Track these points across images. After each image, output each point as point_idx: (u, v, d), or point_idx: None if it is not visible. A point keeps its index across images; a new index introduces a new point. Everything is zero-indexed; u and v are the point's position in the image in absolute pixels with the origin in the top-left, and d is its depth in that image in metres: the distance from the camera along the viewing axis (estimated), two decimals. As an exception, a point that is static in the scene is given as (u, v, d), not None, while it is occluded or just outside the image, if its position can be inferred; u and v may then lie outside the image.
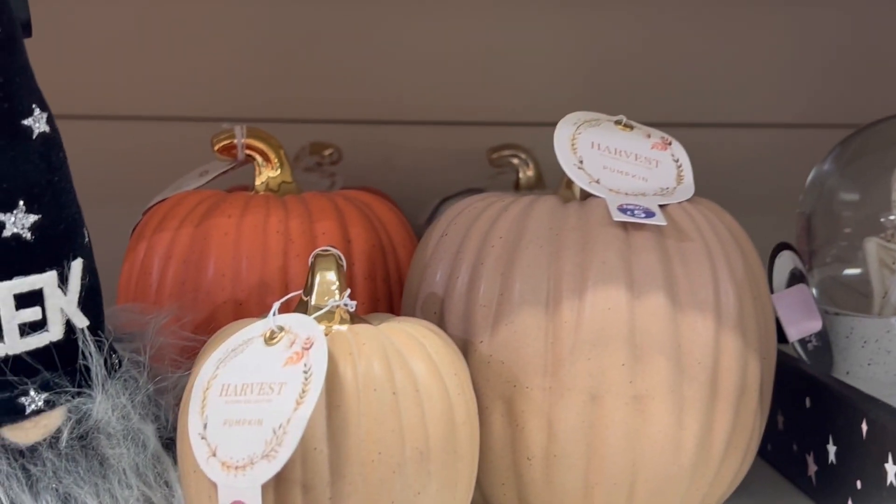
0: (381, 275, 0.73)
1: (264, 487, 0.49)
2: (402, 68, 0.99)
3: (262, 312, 0.66)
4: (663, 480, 0.59)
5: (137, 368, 0.56)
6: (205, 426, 0.52)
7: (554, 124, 1.01)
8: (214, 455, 0.51)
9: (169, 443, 0.58)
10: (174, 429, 0.58)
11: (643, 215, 0.59)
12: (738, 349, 0.60)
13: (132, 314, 0.60)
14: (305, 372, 0.50)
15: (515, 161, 0.96)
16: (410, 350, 0.54)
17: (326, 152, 1.00)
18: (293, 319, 0.53)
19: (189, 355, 0.62)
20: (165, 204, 0.75)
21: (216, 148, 0.78)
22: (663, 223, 0.59)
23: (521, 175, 0.96)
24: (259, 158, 0.78)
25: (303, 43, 0.98)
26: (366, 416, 0.51)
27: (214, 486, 0.51)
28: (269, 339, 0.53)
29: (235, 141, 0.78)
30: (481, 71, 0.99)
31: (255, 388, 0.51)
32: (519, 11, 0.99)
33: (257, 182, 0.78)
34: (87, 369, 0.54)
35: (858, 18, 1.00)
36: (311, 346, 0.51)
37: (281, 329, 0.53)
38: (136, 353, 0.59)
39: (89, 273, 0.54)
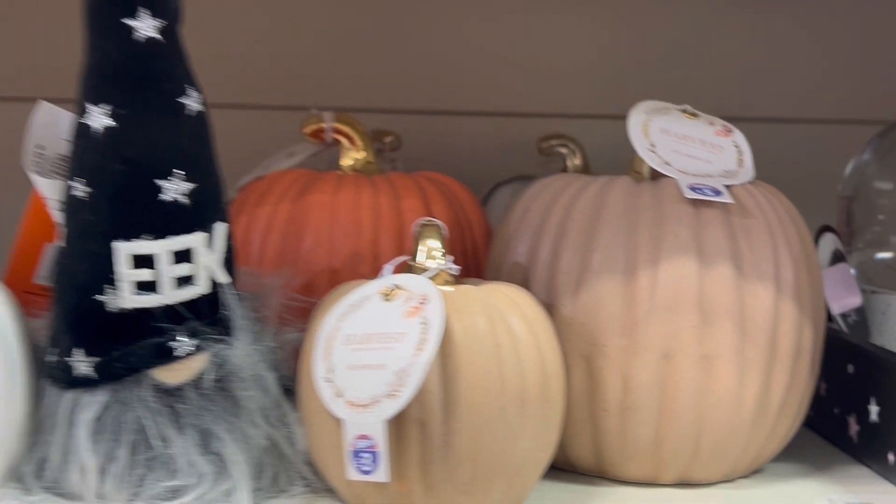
0: (459, 249, 0.80)
1: (386, 423, 0.56)
2: (457, 62, 1.04)
3: (355, 280, 0.74)
4: (726, 434, 0.66)
5: (260, 324, 0.63)
6: (330, 370, 0.59)
7: (598, 116, 1.08)
8: (341, 395, 0.58)
9: (285, 390, 0.65)
10: (289, 378, 0.65)
11: (712, 194, 0.66)
12: (794, 316, 0.67)
13: (251, 277, 0.67)
14: (423, 324, 0.57)
15: (563, 150, 1.02)
16: (508, 308, 0.61)
17: (387, 139, 1.06)
18: (408, 279, 0.60)
19: (294, 315, 0.69)
20: (263, 182, 0.81)
21: (306, 131, 0.85)
22: (730, 201, 0.66)
23: (568, 163, 1.02)
24: (345, 141, 0.84)
25: (366, 39, 1.03)
26: (472, 364, 0.58)
27: (340, 423, 0.58)
28: (387, 295, 0.60)
29: (324, 125, 0.84)
30: (530, 65, 1.04)
31: (376, 338, 0.58)
32: (567, 10, 1.03)
33: (343, 163, 0.84)
34: (226, 320, 0.61)
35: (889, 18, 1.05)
36: (426, 302, 0.58)
37: (397, 287, 0.60)
38: (255, 311, 0.66)
39: (229, 236, 0.61)
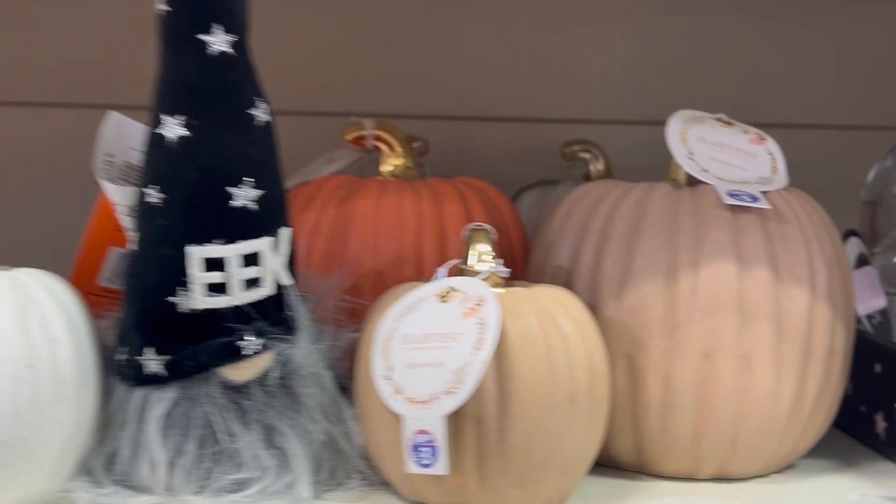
0: (497, 253, 0.83)
1: (446, 419, 0.59)
2: (482, 69, 1.07)
3: (399, 283, 0.77)
4: (763, 430, 0.69)
5: (319, 324, 0.66)
6: (389, 369, 0.62)
7: (620, 122, 1.10)
8: (400, 393, 0.61)
9: (340, 388, 0.68)
10: (343, 376, 0.68)
11: (749, 200, 0.69)
12: (828, 318, 0.69)
13: (303, 279, 0.70)
14: (480, 324, 0.60)
15: (586, 155, 1.05)
16: (557, 310, 0.64)
17: (415, 144, 1.09)
18: (463, 281, 0.63)
19: (343, 316, 0.71)
20: (307, 187, 0.84)
21: (348, 139, 0.88)
22: (768, 207, 0.69)
23: (591, 168, 1.05)
24: (385, 148, 0.87)
25: (393, 46, 1.05)
26: (526, 363, 0.61)
27: (399, 419, 0.61)
28: (443, 297, 0.63)
29: (366, 132, 0.87)
30: (552, 71, 1.06)
31: (434, 338, 0.61)
32: (589, 17, 1.05)
33: (383, 169, 0.87)
34: (288, 320, 0.64)
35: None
36: (482, 304, 0.61)
37: (453, 289, 0.63)
38: (310, 312, 0.68)
39: (291, 240, 0.64)
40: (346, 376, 0.68)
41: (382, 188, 0.82)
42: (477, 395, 0.60)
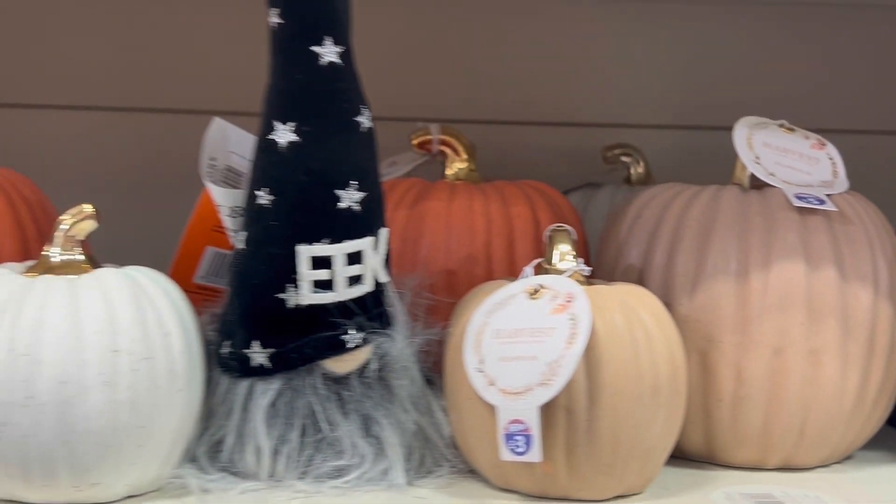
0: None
1: (539, 409, 0.62)
2: (524, 75, 1.10)
3: (470, 282, 0.80)
4: (828, 422, 0.73)
5: (412, 319, 0.70)
6: (481, 362, 0.66)
7: (659, 126, 1.13)
8: (493, 384, 0.65)
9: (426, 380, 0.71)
10: (428, 369, 0.71)
11: (817, 202, 0.72)
12: (891, 315, 0.73)
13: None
14: (571, 320, 0.64)
15: (627, 158, 1.09)
16: (638, 306, 0.67)
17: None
18: (552, 279, 0.67)
19: (422, 312, 0.75)
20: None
21: (414, 143, 0.91)
22: (834, 209, 0.72)
23: (632, 171, 1.08)
24: (451, 152, 0.91)
25: (438, 52, 1.07)
26: (614, 356, 0.64)
27: (492, 409, 0.64)
28: (532, 294, 0.66)
29: (431, 137, 0.91)
30: (593, 76, 1.09)
31: (526, 332, 0.65)
32: (627, 25, 1.08)
33: (448, 172, 0.90)
34: (384, 315, 0.67)
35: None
36: (573, 300, 0.64)
37: (542, 287, 0.66)
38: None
39: (388, 239, 0.68)
40: (431, 370, 0.71)
41: (452, 191, 0.86)
42: (568, 387, 0.63)
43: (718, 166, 1.04)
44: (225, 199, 0.68)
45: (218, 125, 0.71)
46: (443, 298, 0.75)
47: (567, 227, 0.71)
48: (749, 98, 1.10)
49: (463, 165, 0.90)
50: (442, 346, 0.71)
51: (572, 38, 1.08)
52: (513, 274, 0.83)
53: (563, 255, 0.70)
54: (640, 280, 0.75)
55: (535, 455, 0.63)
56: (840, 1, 1.08)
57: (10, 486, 0.61)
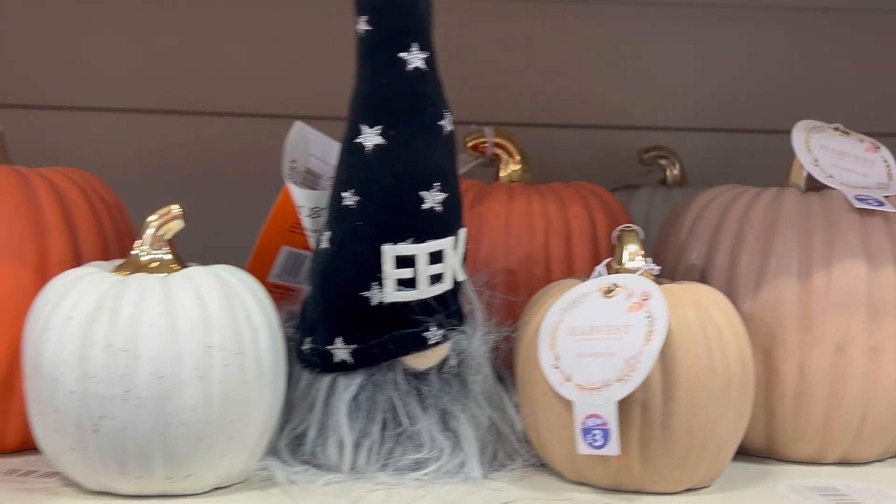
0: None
1: (617, 403, 0.64)
2: (559, 78, 1.12)
3: (529, 281, 0.83)
4: (888, 417, 0.74)
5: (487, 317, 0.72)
6: (557, 358, 0.67)
7: (691, 129, 1.15)
8: (569, 380, 0.67)
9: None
10: (497, 366, 0.73)
11: (876, 204, 0.74)
12: (948, 313, 0.75)
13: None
14: (648, 317, 0.66)
15: (663, 161, 1.11)
16: (710, 304, 0.69)
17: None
18: (626, 278, 0.69)
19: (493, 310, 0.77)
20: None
21: (469, 145, 0.93)
22: (893, 210, 0.74)
23: (668, 173, 1.10)
24: (505, 155, 0.93)
25: (473, 55, 1.09)
26: (688, 353, 0.66)
27: (567, 405, 0.66)
28: (607, 293, 0.68)
29: (486, 140, 0.93)
30: (628, 79, 1.11)
31: (602, 330, 0.67)
32: (663, 28, 1.10)
33: (502, 174, 0.92)
34: (459, 313, 0.69)
35: None
36: (649, 298, 0.66)
37: (616, 285, 0.68)
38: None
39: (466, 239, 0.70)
40: (500, 366, 0.73)
41: (510, 192, 0.88)
42: (644, 383, 0.65)
43: (752, 168, 1.07)
44: (306, 200, 0.70)
45: (299, 128, 0.73)
46: (508, 297, 0.77)
47: (635, 227, 0.73)
48: (783, 101, 1.12)
49: (516, 167, 0.93)
50: (511, 344, 0.72)
51: (608, 42, 1.10)
52: (571, 273, 0.85)
53: (633, 254, 0.72)
54: (703, 279, 0.77)
55: (613, 449, 0.65)
56: (874, 6, 1.10)
57: (106, 477, 0.63)
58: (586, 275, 0.82)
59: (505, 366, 0.73)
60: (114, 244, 0.76)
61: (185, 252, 0.70)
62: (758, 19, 1.11)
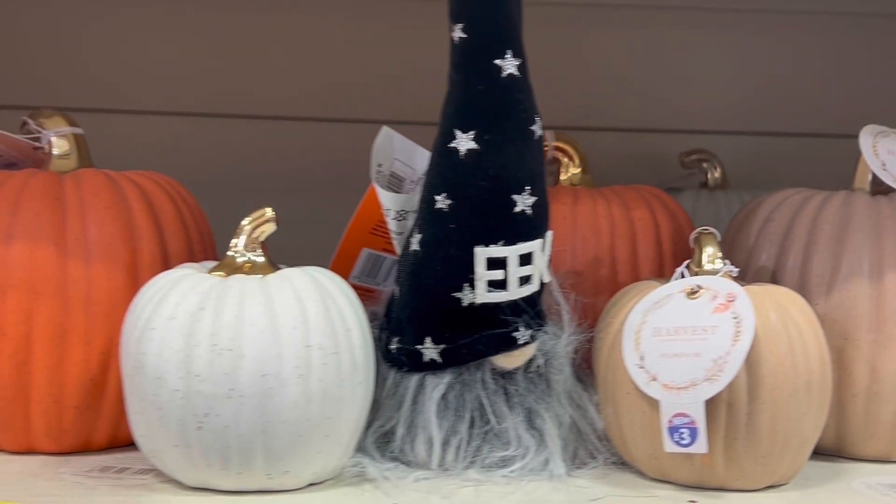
0: (681, 255, 0.90)
1: (704, 403, 0.66)
2: (599, 82, 1.14)
3: (596, 283, 0.84)
4: (957, 415, 0.76)
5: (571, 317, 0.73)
6: (641, 358, 0.69)
7: (731, 133, 1.16)
8: (654, 380, 0.68)
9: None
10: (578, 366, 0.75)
11: (947, 208, 0.76)
12: None
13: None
14: (735, 318, 0.67)
15: (704, 164, 1.12)
16: (790, 305, 0.70)
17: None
18: (710, 280, 0.70)
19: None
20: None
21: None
22: (963, 213, 0.76)
23: (709, 176, 1.12)
24: (565, 159, 0.94)
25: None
26: (772, 353, 0.68)
27: (651, 403, 0.68)
28: (691, 294, 0.70)
29: (547, 144, 0.94)
30: (669, 83, 1.13)
31: (687, 330, 0.68)
32: (703, 32, 1.12)
33: (563, 177, 0.94)
34: (542, 313, 0.71)
35: None
36: (735, 300, 0.68)
37: (700, 287, 0.70)
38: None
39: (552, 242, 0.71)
40: (578, 366, 0.75)
41: (575, 195, 0.89)
42: (730, 382, 0.67)
43: (790, 171, 1.08)
44: (392, 203, 0.72)
45: (386, 133, 0.74)
46: (584, 299, 0.79)
47: (712, 230, 0.74)
48: (820, 105, 1.14)
49: (576, 171, 0.94)
50: (589, 344, 0.74)
51: (649, 46, 1.11)
52: (636, 275, 0.87)
53: (712, 256, 0.73)
54: (774, 281, 0.78)
55: (700, 446, 0.66)
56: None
57: (208, 473, 0.65)
58: (651, 276, 0.84)
59: (584, 365, 0.75)
60: (198, 246, 0.77)
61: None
62: (796, 24, 1.13)
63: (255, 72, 1.05)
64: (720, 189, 1.10)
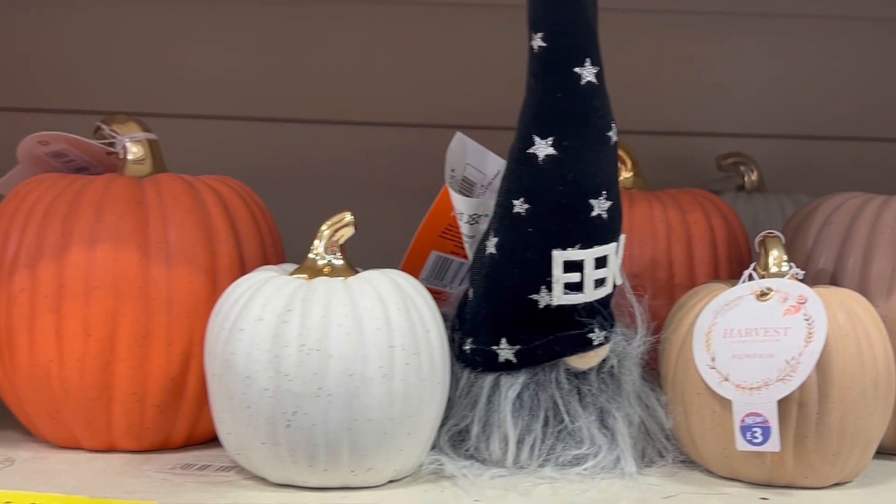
0: (735, 258, 0.91)
1: (777, 402, 0.67)
2: (636, 86, 1.14)
3: (653, 285, 0.85)
4: None
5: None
6: (712, 359, 0.71)
7: (767, 136, 1.18)
8: (726, 380, 0.70)
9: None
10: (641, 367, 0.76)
11: None
12: None
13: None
14: (807, 320, 0.69)
15: (742, 167, 1.14)
16: (857, 306, 0.72)
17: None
18: (780, 282, 0.72)
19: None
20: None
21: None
22: None
23: (746, 179, 1.13)
24: (619, 163, 0.95)
25: None
26: (841, 354, 0.69)
27: (722, 403, 0.69)
28: (761, 296, 0.71)
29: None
30: (702, 88, 1.13)
31: (759, 332, 0.70)
32: (740, 36, 1.12)
33: (615, 181, 0.95)
34: (613, 315, 0.72)
35: None
36: (806, 302, 0.69)
37: (770, 289, 0.71)
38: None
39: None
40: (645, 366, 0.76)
41: (631, 198, 0.91)
42: (802, 382, 0.68)
43: (824, 174, 1.10)
44: (466, 207, 0.73)
45: (459, 139, 0.76)
46: (652, 301, 0.80)
47: (777, 233, 0.76)
48: (858, 108, 1.15)
49: (629, 174, 0.95)
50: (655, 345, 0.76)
51: (686, 50, 1.12)
52: (692, 277, 0.88)
53: (777, 259, 0.75)
54: (834, 283, 0.80)
55: (773, 445, 0.68)
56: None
57: (295, 470, 0.66)
58: (707, 278, 0.86)
59: (650, 366, 0.76)
60: (270, 249, 0.79)
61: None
62: (832, 28, 1.14)
63: (323, 76, 1.07)
64: (757, 192, 1.11)
